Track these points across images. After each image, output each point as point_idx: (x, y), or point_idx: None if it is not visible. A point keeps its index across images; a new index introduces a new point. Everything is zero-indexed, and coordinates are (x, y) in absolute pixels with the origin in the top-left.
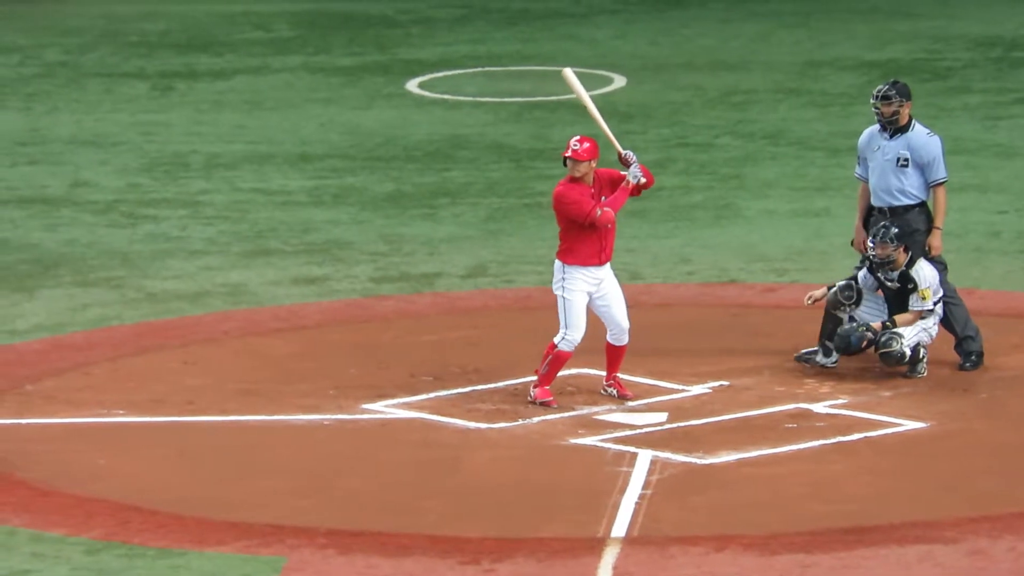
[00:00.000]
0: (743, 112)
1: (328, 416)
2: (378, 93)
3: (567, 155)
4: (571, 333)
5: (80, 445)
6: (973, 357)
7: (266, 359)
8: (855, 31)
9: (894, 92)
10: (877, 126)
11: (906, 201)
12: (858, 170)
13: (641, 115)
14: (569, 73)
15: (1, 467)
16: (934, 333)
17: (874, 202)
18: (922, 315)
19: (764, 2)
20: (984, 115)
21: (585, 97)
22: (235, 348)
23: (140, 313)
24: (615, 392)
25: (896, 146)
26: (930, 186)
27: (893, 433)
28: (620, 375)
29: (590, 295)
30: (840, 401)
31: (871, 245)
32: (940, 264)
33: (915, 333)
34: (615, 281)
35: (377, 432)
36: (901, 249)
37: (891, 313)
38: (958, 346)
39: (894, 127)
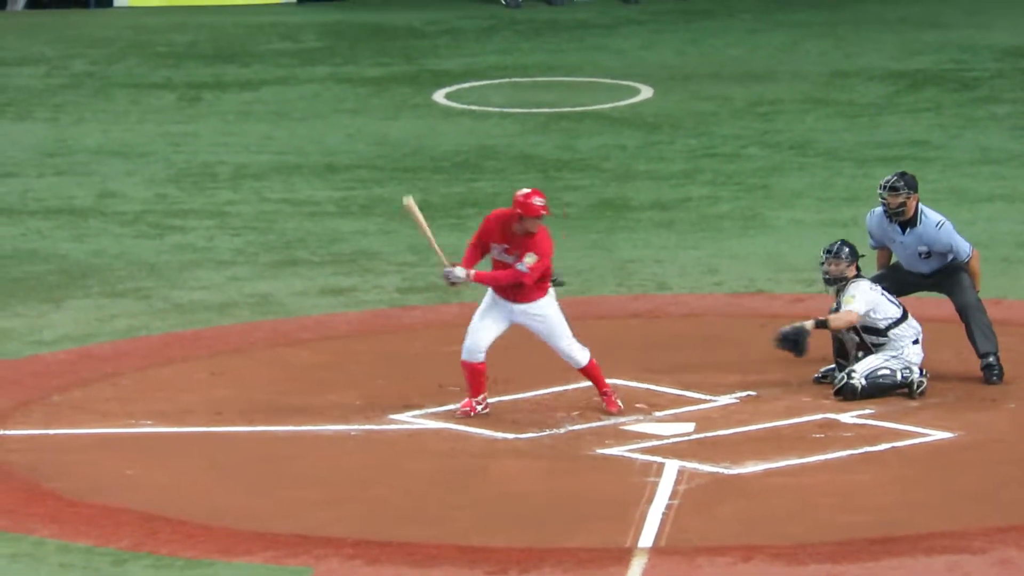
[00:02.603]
0: (770, 122)
1: (356, 426)
2: (405, 104)
3: (544, 214)
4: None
5: (108, 455)
6: (995, 371)
7: (294, 370)
8: (883, 41)
9: (902, 184)
10: (883, 210)
11: (941, 268)
12: (871, 242)
13: (668, 125)
14: (410, 202)
15: (29, 477)
16: (912, 359)
17: None
18: (857, 326)
19: (791, 12)
20: (1012, 125)
21: (424, 227)
22: (263, 359)
23: (168, 324)
24: (604, 405)
25: (912, 242)
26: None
27: (920, 443)
28: (647, 385)
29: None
30: (867, 411)
31: (823, 260)
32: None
33: (872, 365)
34: (537, 319)
35: (405, 442)
36: (853, 266)
37: (835, 351)
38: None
39: (900, 219)
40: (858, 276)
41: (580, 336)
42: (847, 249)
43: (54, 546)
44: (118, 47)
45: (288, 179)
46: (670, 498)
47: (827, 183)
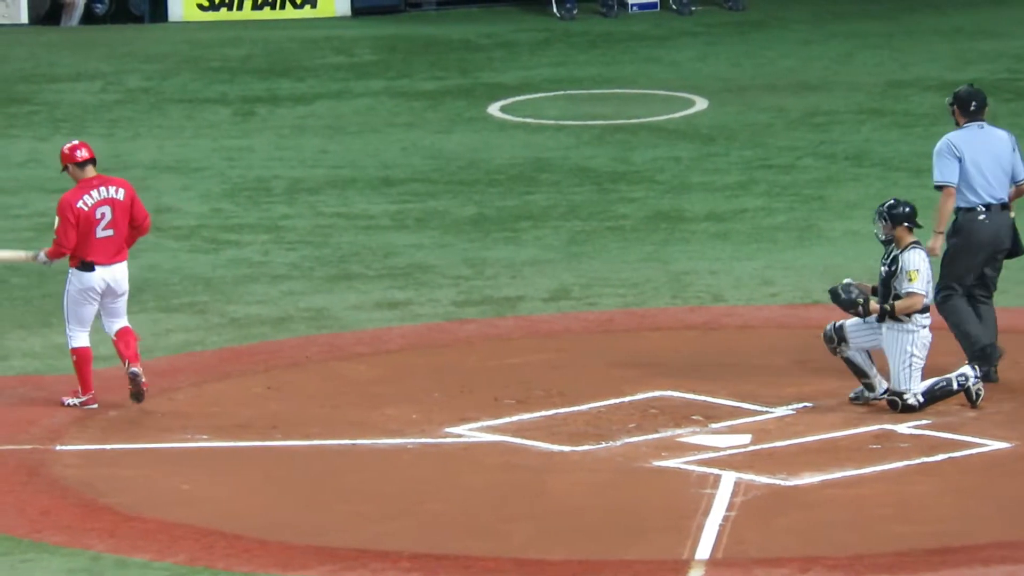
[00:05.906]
0: (825, 133)
1: (412, 440)
2: (460, 117)
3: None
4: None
5: (164, 470)
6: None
7: (349, 383)
8: (937, 51)
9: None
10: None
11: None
12: (938, 177)
13: (723, 137)
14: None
15: (86, 492)
16: (920, 346)
17: None
18: (908, 305)
19: (846, 23)
20: None
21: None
22: (318, 373)
23: (223, 338)
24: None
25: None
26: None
27: (978, 453)
28: (703, 397)
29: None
30: (924, 422)
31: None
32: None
33: (906, 366)
34: None
35: (461, 455)
36: (904, 229)
37: (882, 300)
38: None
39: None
40: (916, 243)
41: (634, 349)
42: (903, 209)
43: (111, 561)
44: (173, 62)
45: (343, 193)
46: (727, 510)
47: (883, 194)
